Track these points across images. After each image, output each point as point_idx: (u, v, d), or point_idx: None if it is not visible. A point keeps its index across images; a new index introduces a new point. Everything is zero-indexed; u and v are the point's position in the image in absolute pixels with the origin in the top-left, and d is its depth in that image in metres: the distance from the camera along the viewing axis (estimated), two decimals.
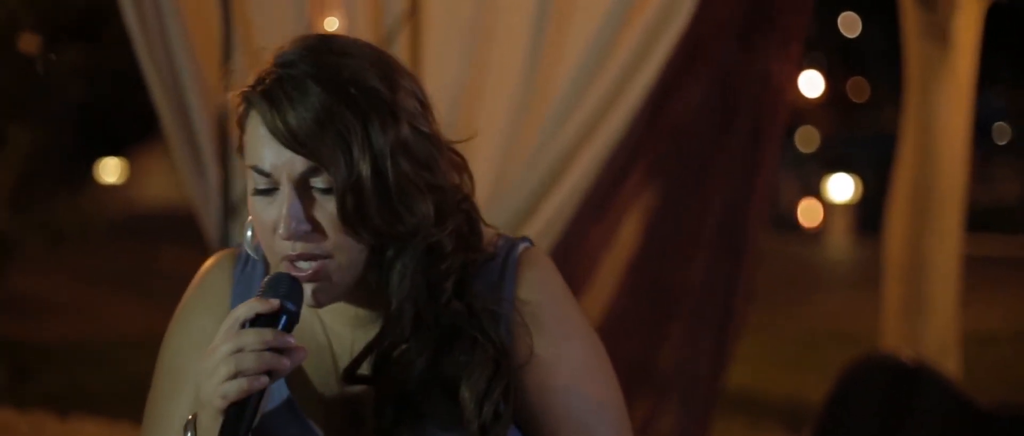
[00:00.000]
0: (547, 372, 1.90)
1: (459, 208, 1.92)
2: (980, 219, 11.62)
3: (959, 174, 6.83)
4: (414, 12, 3.41)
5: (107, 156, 26.74)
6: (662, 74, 3.28)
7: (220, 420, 1.74)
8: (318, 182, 1.81)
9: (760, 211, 3.22)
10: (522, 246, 1.96)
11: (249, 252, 1.96)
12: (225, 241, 3.52)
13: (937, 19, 6.56)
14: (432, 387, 1.86)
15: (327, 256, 1.82)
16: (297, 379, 1.92)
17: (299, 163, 1.81)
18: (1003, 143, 24.86)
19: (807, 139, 27.63)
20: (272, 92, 1.82)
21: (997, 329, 10.22)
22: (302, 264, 1.82)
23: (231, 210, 3.53)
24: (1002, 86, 21.51)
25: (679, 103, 3.26)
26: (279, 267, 1.84)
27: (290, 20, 3.56)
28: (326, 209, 1.81)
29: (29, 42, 7.75)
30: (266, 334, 1.75)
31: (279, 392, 1.88)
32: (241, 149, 1.87)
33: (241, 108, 1.85)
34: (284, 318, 1.78)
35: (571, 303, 1.97)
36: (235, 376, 1.73)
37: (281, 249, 1.83)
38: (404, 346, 1.85)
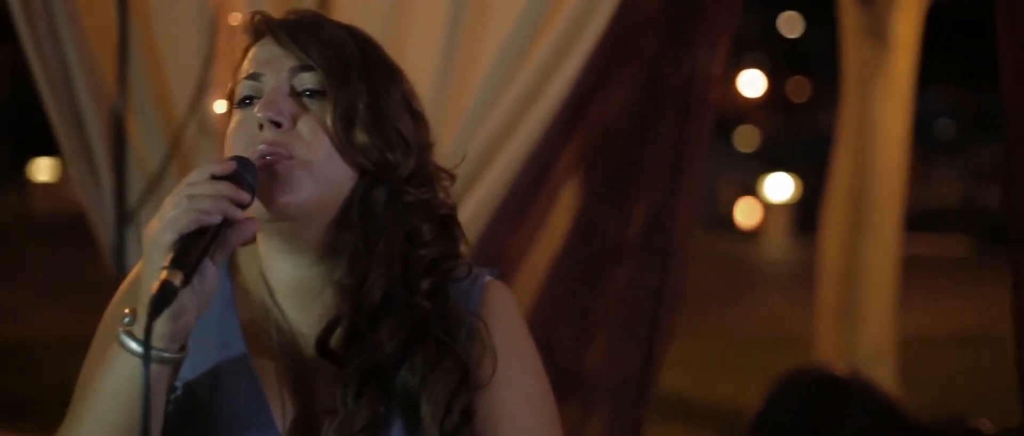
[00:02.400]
0: (499, 395, 1.85)
1: (444, 206, 1.92)
2: (919, 220, 11.58)
3: (897, 176, 6.76)
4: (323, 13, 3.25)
5: (41, 156, 26.42)
6: (584, 72, 3.14)
7: (167, 256, 1.62)
8: (307, 80, 1.83)
9: (689, 213, 3.07)
10: (491, 276, 1.94)
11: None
12: (120, 250, 3.33)
13: (876, 18, 6.48)
14: (394, 381, 1.81)
15: (295, 155, 1.78)
16: (251, 347, 1.85)
17: (291, 59, 1.84)
18: (944, 141, 24.96)
19: (747, 139, 27.67)
20: (287, 18, 1.89)
21: (935, 332, 10.17)
22: (270, 154, 1.77)
23: (126, 218, 3.34)
24: (942, 84, 21.59)
25: (602, 102, 3.12)
26: None
27: (192, 19, 3.37)
28: (311, 111, 1.81)
29: None
30: (222, 185, 1.69)
31: (237, 347, 1.84)
32: (231, 95, 1.88)
33: (249, 40, 1.88)
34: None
35: (528, 337, 1.93)
36: (187, 211, 1.65)
37: (254, 142, 1.78)
38: (376, 326, 1.80)
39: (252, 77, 1.84)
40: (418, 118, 1.90)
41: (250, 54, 1.87)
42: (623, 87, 3.12)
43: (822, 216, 7.04)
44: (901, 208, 6.87)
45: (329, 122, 1.80)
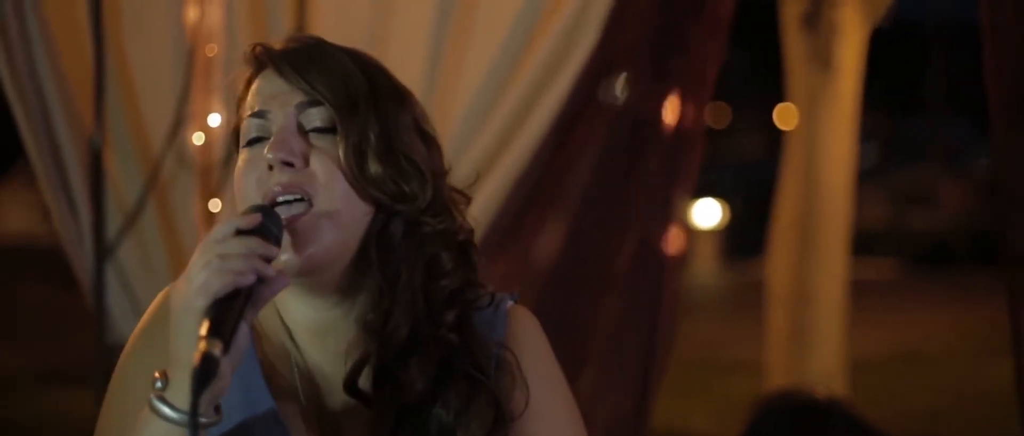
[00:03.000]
0: (532, 428, 1.79)
1: (462, 231, 1.85)
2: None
3: (844, 199, 6.80)
4: None
5: None
6: (567, 102, 3.13)
7: (203, 322, 1.56)
8: (315, 117, 1.76)
9: (678, 247, 3.06)
10: (511, 300, 1.88)
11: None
12: (99, 284, 3.28)
13: (820, 43, 6.52)
14: (427, 420, 1.75)
15: (312, 196, 1.72)
16: (274, 392, 1.78)
17: (297, 94, 1.77)
18: (867, 166, 25.18)
19: None
20: (288, 48, 1.81)
21: (874, 354, 10.25)
22: (286, 198, 1.71)
23: (105, 251, 3.29)
24: (863, 109, 21.76)
25: (586, 133, 3.09)
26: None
27: (168, 52, 3.34)
28: (320, 147, 1.75)
29: None
30: (251, 241, 1.63)
31: (263, 400, 1.76)
32: (237, 129, 1.81)
33: (250, 75, 1.81)
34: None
35: (555, 363, 1.88)
36: (219, 272, 1.59)
37: (262, 189, 1.72)
38: (405, 364, 1.74)
39: (258, 115, 1.78)
40: (431, 143, 1.85)
41: (253, 88, 1.81)
42: (608, 120, 3.10)
43: (770, 240, 7.07)
44: (848, 230, 6.92)
45: (342, 157, 1.74)
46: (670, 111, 3.02)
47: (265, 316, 1.82)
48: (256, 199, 1.73)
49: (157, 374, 1.62)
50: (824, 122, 6.67)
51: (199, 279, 1.60)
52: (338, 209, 1.73)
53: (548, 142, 3.15)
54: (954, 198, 22.63)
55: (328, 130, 1.75)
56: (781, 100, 7.05)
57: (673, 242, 3.09)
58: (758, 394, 7.08)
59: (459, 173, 3.19)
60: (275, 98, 1.78)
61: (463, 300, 1.81)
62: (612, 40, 3.05)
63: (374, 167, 1.75)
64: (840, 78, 6.60)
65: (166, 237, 3.38)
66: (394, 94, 1.83)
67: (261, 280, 1.63)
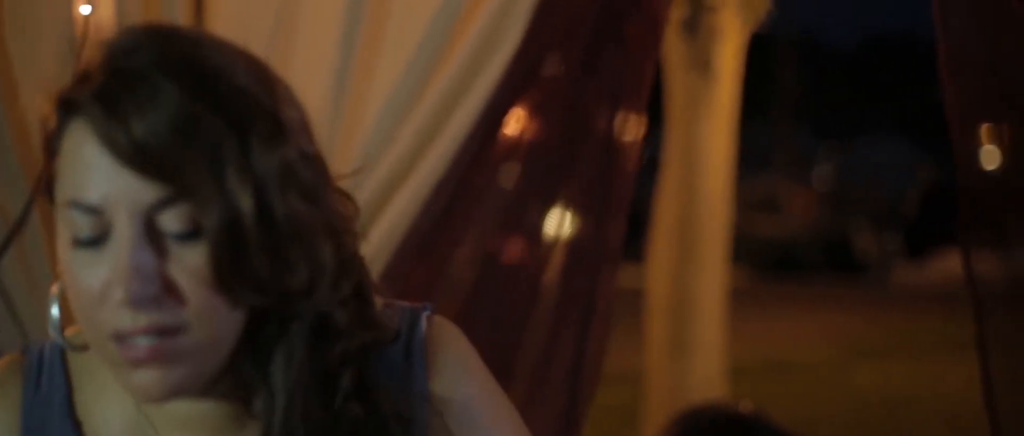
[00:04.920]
0: None
1: (353, 266, 1.40)
2: None
3: (723, 206, 6.77)
4: None
5: None
6: (491, 102, 2.96)
7: None
8: (171, 221, 1.29)
9: (612, 263, 2.89)
10: (424, 316, 1.49)
11: (57, 340, 1.40)
12: None
13: (700, 50, 6.46)
14: None
15: (180, 329, 1.30)
16: None
17: (147, 192, 1.29)
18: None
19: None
20: (108, 91, 1.30)
21: (741, 363, 10.29)
22: (141, 341, 1.29)
23: None
24: None
25: (512, 136, 2.92)
26: (105, 348, 1.31)
27: (53, 49, 3.09)
28: (184, 261, 1.30)
29: None
30: None
31: None
32: (50, 185, 1.35)
33: (54, 122, 1.33)
34: None
35: (495, 386, 1.52)
36: None
37: (113, 322, 1.29)
38: None
39: (90, 210, 1.31)
40: (315, 172, 1.37)
41: (76, 154, 1.32)
42: (537, 121, 2.93)
43: (649, 248, 6.99)
44: (727, 238, 6.87)
45: (213, 272, 1.31)
46: (604, 113, 2.87)
47: (115, 404, 1.44)
48: (107, 334, 1.32)
49: None
50: (703, 129, 6.62)
51: None
52: (212, 338, 1.34)
53: (471, 144, 2.98)
54: (799, 206, 22.97)
55: (191, 235, 1.31)
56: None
57: (607, 250, 2.93)
58: (637, 404, 7.00)
59: (373, 181, 3.03)
60: (114, 196, 1.30)
61: (362, 350, 1.42)
62: (539, 37, 2.88)
63: (255, 275, 1.32)
64: (719, 84, 6.55)
65: (51, 252, 3.12)
66: (267, 124, 1.34)
67: None
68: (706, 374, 6.77)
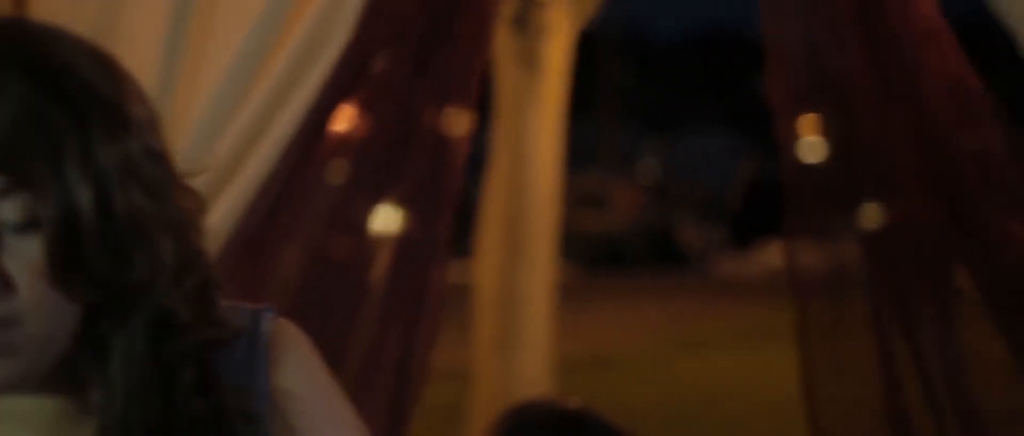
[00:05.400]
0: None
1: (197, 263, 1.40)
2: None
3: (551, 201, 6.78)
4: None
5: None
6: (320, 100, 2.94)
7: None
8: (8, 212, 1.28)
9: (440, 259, 2.89)
10: (267, 317, 1.48)
11: None
12: None
13: (529, 45, 6.48)
14: None
15: (14, 322, 1.28)
16: None
17: None
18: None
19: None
20: None
21: (567, 358, 10.37)
22: None
23: None
24: None
25: (341, 133, 2.91)
26: None
27: None
28: (18, 252, 1.28)
29: None
30: None
31: None
32: None
33: None
34: None
35: (335, 386, 1.54)
36: None
37: None
38: None
39: None
40: (160, 168, 1.38)
41: None
42: (366, 115, 2.92)
43: (477, 244, 6.99)
44: (556, 233, 6.90)
45: (50, 264, 1.30)
46: (433, 110, 2.87)
47: None
48: None
49: None
50: (532, 124, 6.63)
51: None
52: (47, 331, 1.33)
53: (299, 142, 2.96)
54: (624, 201, 23.24)
55: (28, 226, 1.30)
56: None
57: (435, 246, 2.93)
58: (463, 401, 7.01)
59: (199, 183, 2.99)
60: None
61: (204, 347, 1.41)
62: (369, 34, 2.87)
63: (93, 268, 1.32)
64: (548, 80, 6.56)
65: None
66: (111, 118, 1.34)
67: None
68: (533, 370, 6.79)
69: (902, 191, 3.05)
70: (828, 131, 2.93)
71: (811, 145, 2.91)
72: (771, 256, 15.97)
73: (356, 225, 2.99)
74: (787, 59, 2.77)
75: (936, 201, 2.99)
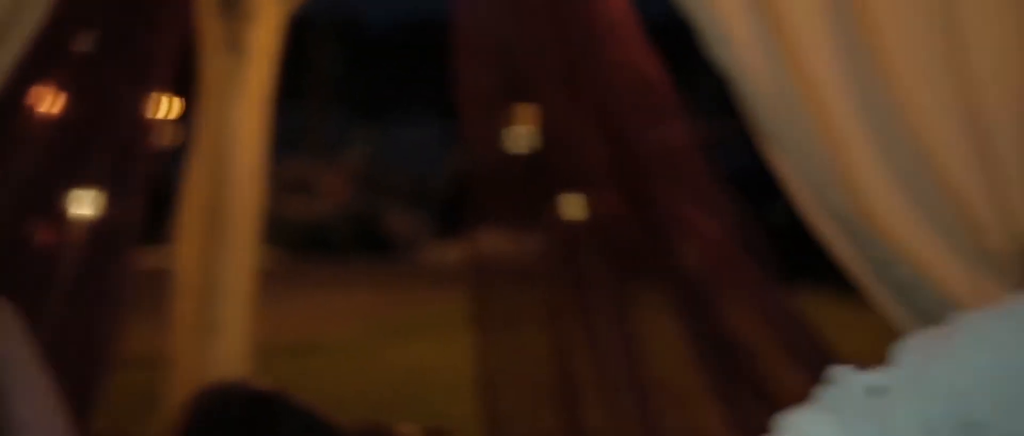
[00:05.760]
0: None
1: None
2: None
3: (254, 186, 6.75)
4: None
5: None
6: (13, 80, 2.90)
7: None
8: None
9: (131, 242, 2.88)
10: None
11: None
12: None
13: (235, 30, 6.43)
14: None
15: None
16: None
17: None
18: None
19: None
20: None
21: (269, 344, 10.34)
22: None
23: None
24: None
25: (39, 113, 2.87)
26: None
27: None
28: None
29: None
30: None
31: None
32: None
33: None
34: None
35: (38, 361, 1.60)
36: None
37: None
38: None
39: None
40: None
41: None
42: (63, 95, 2.89)
43: (177, 228, 6.91)
44: (257, 218, 6.87)
45: None
46: (132, 92, 2.86)
47: None
48: None
49: None
50: (236, 110, 6.58)
51: None
52: None
53: None
54: (332, 187, 23.15)
55: None
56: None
57: (127, 229, 2.92)
58: (160, 386, 6.93)
59: None
60: None
61: None
62: (66, 13, 2.84)
63: None
64: (252, 64, 6.53)
65: None
66: None
67: None
68: (233, 355, 6.75)
69: (590, 183, 3.14)
70: (519, 124, 3.01)
71: (504, 137, 2.98)
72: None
73: (49, 207, 2.96)
74: (479, 52, 2.84)
75: (621, 192, 3.09)
